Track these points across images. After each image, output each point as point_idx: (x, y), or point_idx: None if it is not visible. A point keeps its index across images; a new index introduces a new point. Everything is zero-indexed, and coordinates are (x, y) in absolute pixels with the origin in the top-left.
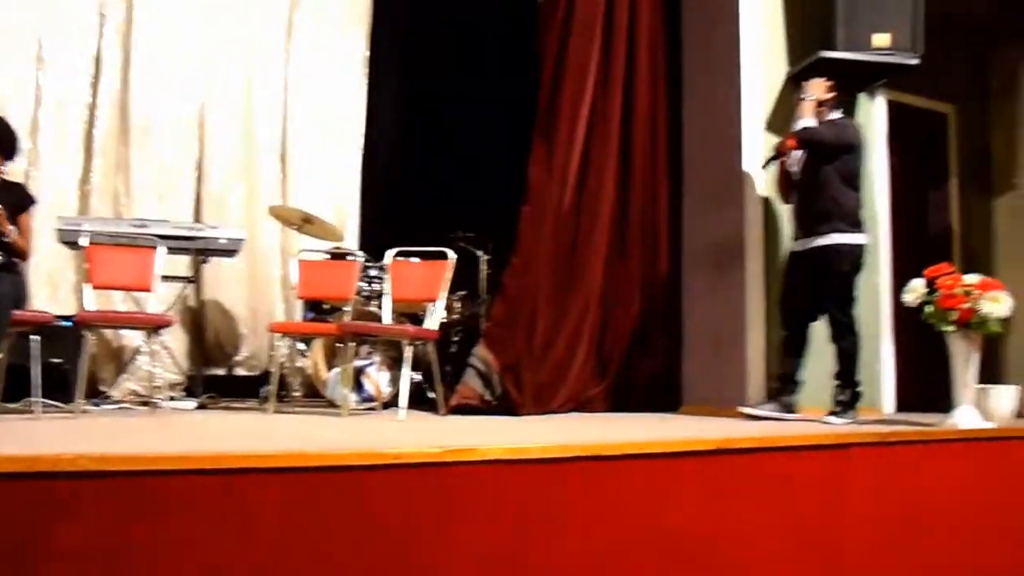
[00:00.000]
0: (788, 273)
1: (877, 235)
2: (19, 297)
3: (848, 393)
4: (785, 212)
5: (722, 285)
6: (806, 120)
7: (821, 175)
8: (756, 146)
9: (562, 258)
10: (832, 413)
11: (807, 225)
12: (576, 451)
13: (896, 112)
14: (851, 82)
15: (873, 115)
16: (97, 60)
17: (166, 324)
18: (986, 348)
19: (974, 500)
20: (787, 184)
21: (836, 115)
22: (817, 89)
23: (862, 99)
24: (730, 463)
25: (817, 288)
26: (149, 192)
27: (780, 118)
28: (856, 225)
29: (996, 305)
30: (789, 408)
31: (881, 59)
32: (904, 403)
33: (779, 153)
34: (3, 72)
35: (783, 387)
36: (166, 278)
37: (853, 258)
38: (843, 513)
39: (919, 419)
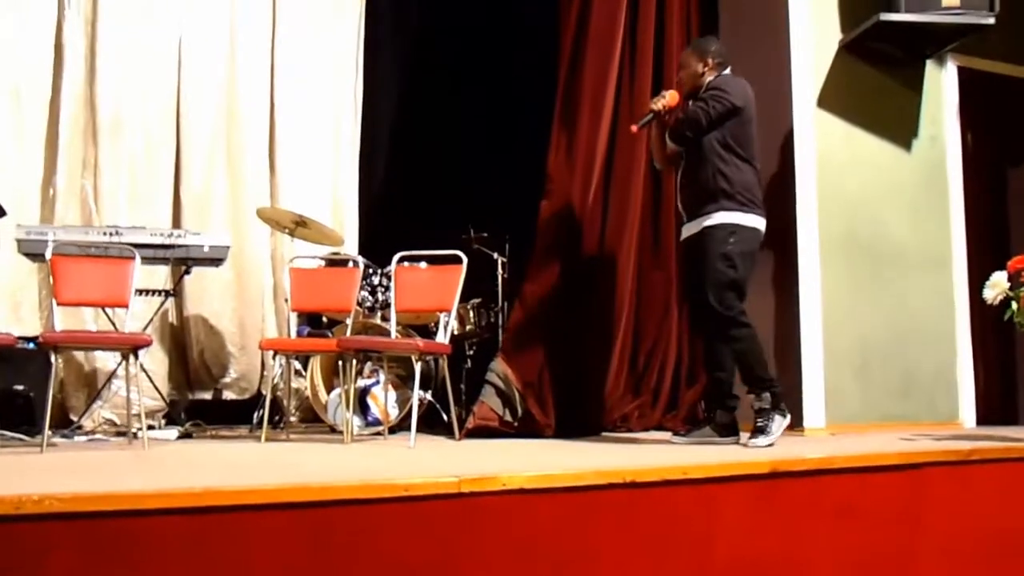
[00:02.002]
0: (683, 267)
1: (948, 223)
2: None
3: (767, 398)
4: (845, 199)
5: (771, 287)
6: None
7: (703, 146)
8: (808, 126)
9: (588, 259)
10: (756, 431)
11: (691, 207)
12: (611, 477)
13: (969, 80)
14: (916, 48)
15: (943, 85)
16: (58, 47)
17: (144, 344)
18: None
19: None
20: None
21: (715, 76)
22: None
23: (930, 67)
24: (786, 488)
25: (699, 276)
26: (121, 195)
27: (833, 94)
28: (749, 203)
29: None
30: (728, 430)
31: (951, 19)
32: (986, 416)
33: (656, 113)
34: None
35: (712, 406)
36: (143, 292)
37: (738, 239)
38: (918, 543)
39: (1005, 433)
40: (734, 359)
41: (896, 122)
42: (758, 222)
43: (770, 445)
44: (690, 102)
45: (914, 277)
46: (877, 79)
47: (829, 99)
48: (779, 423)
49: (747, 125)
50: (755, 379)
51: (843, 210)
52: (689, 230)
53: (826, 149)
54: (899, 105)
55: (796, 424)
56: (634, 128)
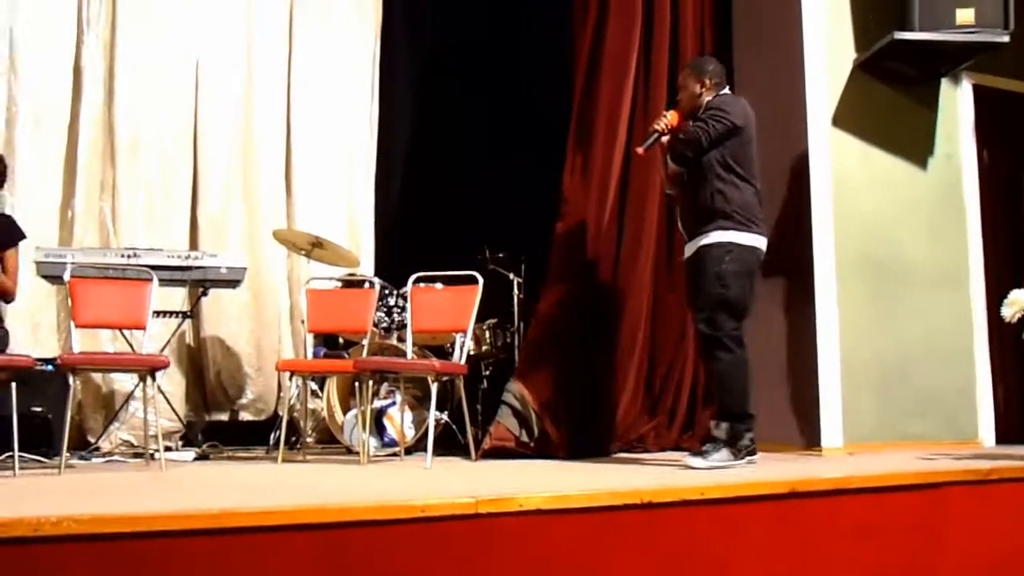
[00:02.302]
0: (685, 288)
1: (965, 241)
2: (1, 344)
3: (724, 428)
4: (861, 217)
5: (788, 307)
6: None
7: (703, 166)
8: (823, 145)
9: (603, 280)
10: (699, 453)
11: (691, 226)
12: (628, 498)
13: (984, 98)
14: (931, 66)
15: (959, 102)
16: (76, 70)
17: (161, 365)
18: None
19: None
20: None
21: (713, 96)
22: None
23: (945, 85)
24: (804, 507)
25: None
26: (139, 217)
27: (848, 113)
28: (747, 223)
29: None
30: (745, 451)
31: (965, 38)
32: (1007, 435)
33: (658, 133)
34: None
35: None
36: (160, 313)
37: (733, 257)
38: (937, 563)
39: None
40: (715, 381)
41: (911, 140)
42: (757, 241)
43: (706, 468)
44: (690, 122)
45: (931, 295)
46: (892, 97)
47: (844, 118)
48: (724, 459)
49: (747, 144)
50: (724, 407)
51: (859, 229)
52: (689, 250)
53: (841, 168)
54: (914, 123)
55: (813, 443)
56: (640, 150)
